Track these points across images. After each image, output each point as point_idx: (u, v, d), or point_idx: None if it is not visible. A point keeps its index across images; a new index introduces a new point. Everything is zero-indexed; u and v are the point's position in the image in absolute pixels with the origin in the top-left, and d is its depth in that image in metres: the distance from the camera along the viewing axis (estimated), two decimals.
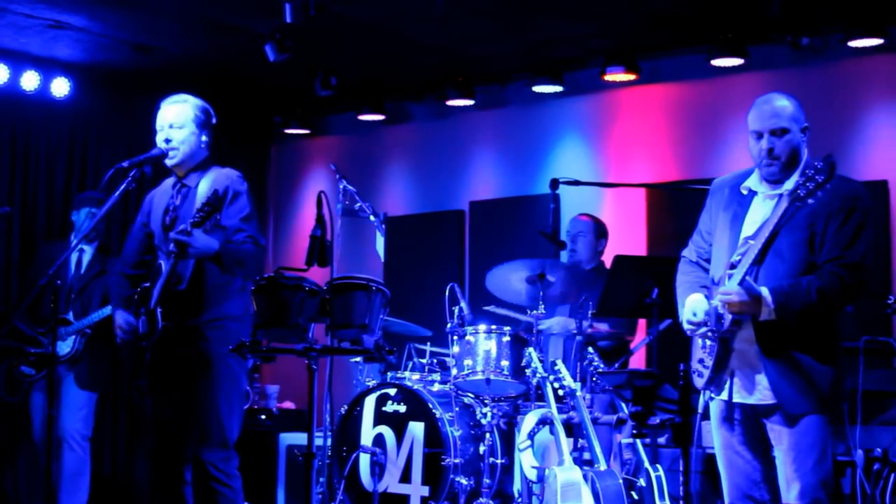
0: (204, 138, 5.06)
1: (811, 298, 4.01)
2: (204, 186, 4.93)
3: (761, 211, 4.21)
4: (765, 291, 4.02)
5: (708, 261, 4.41)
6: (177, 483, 4.93)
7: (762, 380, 4.11)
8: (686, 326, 4.26)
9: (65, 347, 6.94)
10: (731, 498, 4.28)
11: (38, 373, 6.96)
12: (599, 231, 6.88)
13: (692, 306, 4.22)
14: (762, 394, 4.12)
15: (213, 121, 5.13)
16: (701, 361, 4.24)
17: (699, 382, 4.26)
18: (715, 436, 4.33)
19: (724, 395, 4.21)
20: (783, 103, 4.21)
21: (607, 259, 6.55)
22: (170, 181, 5.14)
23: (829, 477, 4.11)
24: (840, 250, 4.07)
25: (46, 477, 5.81)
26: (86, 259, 7.15)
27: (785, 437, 4.10)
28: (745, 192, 4.29)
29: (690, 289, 4.33)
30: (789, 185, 4.13)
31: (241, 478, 4.94)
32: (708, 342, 4.20)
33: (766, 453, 4.20)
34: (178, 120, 5.00)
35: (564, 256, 7.10)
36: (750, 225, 4.21)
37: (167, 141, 4.98)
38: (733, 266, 4.12)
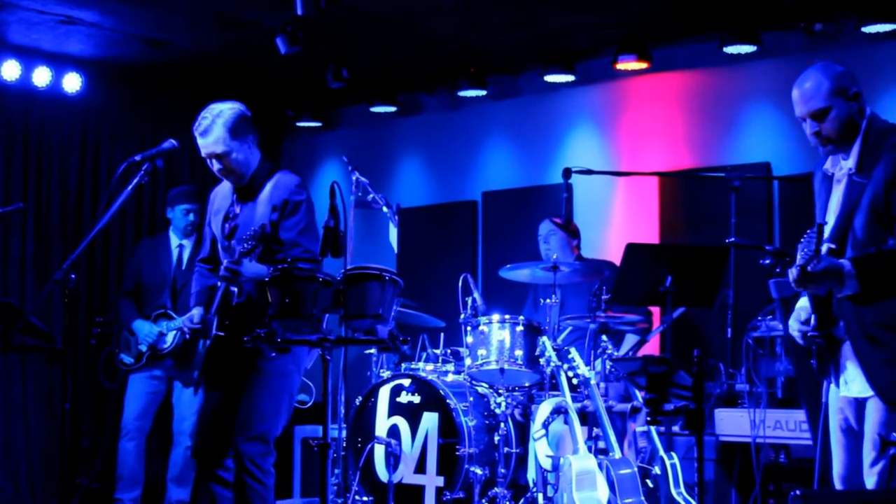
0: (248, 141, 5.06)
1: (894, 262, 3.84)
2: (263, 198, 4.99)
3: (837, 194, 4.10)
4: (845, 263, 3.85)
5: None
6: (213, 475, 5.02)
7: (858, 375, 3.99)
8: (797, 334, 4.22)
9: (166, 342, 6.99)
10: (836, 480, 4.20)
11: (136, 362, 7.01)
12: (571, 231, 7.01)
13: (797, 314, 4.18)
14: (859, 387, 4.01)
15: (248, 114, 5.10)
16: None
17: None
18: (830, 418, 4.23)
19: (834, 387, 4.14)
20: (814, 82, 4.05)
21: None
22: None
23: None
24: None
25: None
26: (186, 255, 7.19)
27: (872, 418, 3.97)
28: (829, 176, 4.16)
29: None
30: (852, 158, 4.02)
31: (275, 475, 5.00)
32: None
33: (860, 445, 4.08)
34: (215, 149, 4.99)
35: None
36: (832, 213, 4.09)
37: (220, 169, 5.04)
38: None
